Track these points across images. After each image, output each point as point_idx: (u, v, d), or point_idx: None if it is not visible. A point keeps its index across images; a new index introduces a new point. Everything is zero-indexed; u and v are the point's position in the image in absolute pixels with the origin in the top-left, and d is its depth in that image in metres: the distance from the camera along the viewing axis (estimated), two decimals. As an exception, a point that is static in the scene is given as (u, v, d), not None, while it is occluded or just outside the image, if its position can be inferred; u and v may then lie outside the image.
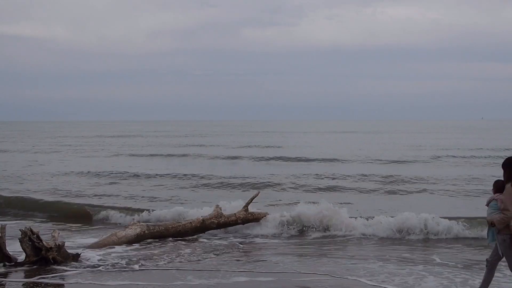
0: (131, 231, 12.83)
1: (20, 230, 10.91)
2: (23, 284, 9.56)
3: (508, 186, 7.81)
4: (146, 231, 13.07)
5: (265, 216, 15.30)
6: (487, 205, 8.12)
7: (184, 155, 38.68)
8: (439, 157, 34.66)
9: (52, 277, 9.92)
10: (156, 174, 26.14)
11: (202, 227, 13.96)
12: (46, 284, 9.56)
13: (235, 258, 11.51)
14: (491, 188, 8.16)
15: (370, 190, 21.14)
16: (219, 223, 14.24)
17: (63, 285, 9.58)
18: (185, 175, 25.67)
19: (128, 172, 26.97)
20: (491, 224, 7.96)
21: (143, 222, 14.02)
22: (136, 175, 26.11)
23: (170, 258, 11.46)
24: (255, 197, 15.56)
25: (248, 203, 15.12)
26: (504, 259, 8.01)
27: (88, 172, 27.42)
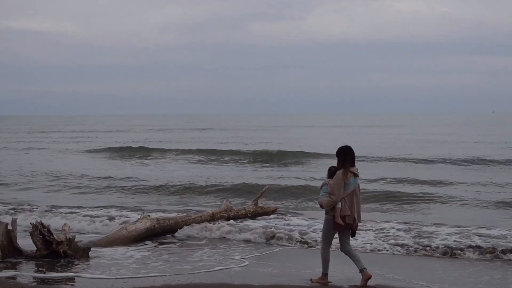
0: (141, 225, 12.83)
1: (31, 223, 10.96)
2: (33, 278, 9.58)
3: (338, 172, 8.64)
4: (156, 225, 13.08)
5: (274, 210, 15.37)
6: (321, 188, 8.94)
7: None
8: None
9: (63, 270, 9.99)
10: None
11: (212, 221, 14.00)
12: (56, 279, 9.59)
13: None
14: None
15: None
16: (229, 217, 14.33)
17: (73, 278, 9.61)
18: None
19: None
20: (321, 206, 8.85)
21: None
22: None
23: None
24: (265, 191, 15.63)
25: (258, 197, 15.20)
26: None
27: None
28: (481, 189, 19.99)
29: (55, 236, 10.71)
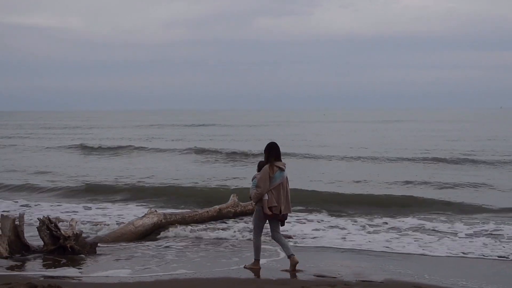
0: (148, 220, 12.83)
1: (38, 218, 10.96)
2: (42, 273, 9.60)
3: (265, 167, 9.34)
4: (163, 220, 13.08)
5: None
6: (251, 181, 9.61)
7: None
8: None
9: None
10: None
11: (218, 216, 14.02)
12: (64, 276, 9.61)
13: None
14: None
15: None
16: (235, 212, 14.34)
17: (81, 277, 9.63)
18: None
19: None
20: (250, 198, 9.56)
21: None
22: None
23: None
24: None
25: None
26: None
27: None
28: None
29: (62, 231, 10.71)
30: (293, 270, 9.42)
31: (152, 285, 8.72)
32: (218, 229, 13.12)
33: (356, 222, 14.14)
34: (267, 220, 9.53)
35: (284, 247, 9.59)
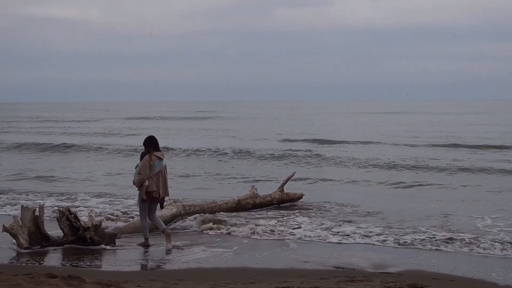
0: (167, 211, 12.83)
1: (58, 209, 11.03)
2: (61, 264, 9.67)
3: (145, 156, 10.68)
4: (182, 211, 13.09)
5: (300, 197, 15.19)
6: (135, 169, 10.82)
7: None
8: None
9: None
10: None
11: (237, 208, 13.97)
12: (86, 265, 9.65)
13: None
14: None
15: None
16: (254, 204, 14.27)
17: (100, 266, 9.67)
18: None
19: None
20: (134, 184, 10.81)
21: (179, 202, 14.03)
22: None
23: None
24: (291, 177, 15.46)
25: (283, 184, 15.06)
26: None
27: None
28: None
29: (81, 222, 10.77)
30: (169, 242, 10.71)
31: (171, 274, 8.74)
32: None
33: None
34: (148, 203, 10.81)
35: (159, 225, 10.94)
